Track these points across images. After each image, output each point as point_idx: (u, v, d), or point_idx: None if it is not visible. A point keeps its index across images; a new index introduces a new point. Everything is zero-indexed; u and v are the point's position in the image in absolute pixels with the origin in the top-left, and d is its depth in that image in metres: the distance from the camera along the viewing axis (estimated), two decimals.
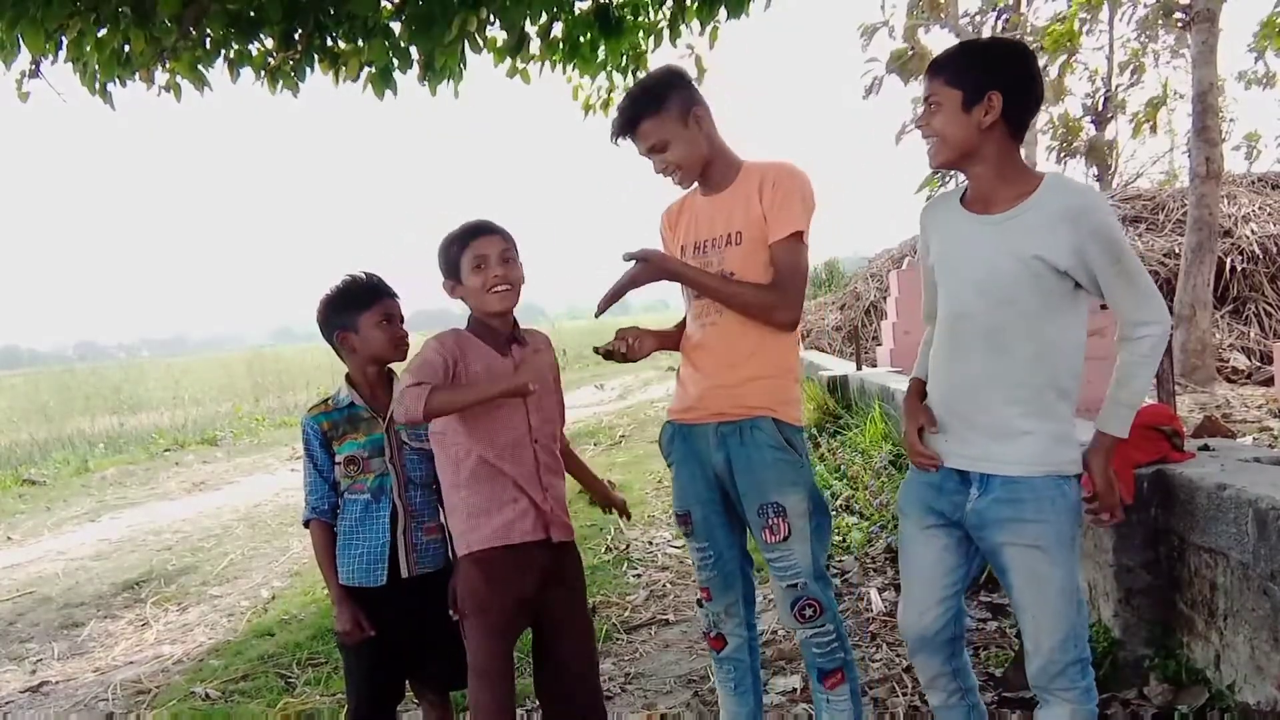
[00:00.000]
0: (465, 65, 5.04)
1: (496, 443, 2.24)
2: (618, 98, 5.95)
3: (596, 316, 2.40)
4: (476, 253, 2.24)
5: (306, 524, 2.47)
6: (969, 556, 2.13)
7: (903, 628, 2.22)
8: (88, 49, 4.53)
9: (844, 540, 4.63)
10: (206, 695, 3.67)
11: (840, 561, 4.38)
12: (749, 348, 2.32)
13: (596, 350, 2.41)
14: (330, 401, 2.48)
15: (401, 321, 2.49)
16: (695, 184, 2.44)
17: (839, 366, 9.07)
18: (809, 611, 2.33)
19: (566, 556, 2.34)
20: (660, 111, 2.31)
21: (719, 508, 2.43)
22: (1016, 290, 1.94)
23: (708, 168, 2.38)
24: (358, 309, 2.43)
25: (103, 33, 4.44)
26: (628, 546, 5.23)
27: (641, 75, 5.64)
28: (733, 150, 2.43)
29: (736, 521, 2.46)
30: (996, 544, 2.01)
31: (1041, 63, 16.81)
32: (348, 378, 2.47)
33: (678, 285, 2.46)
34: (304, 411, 2.51)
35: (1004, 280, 1.95)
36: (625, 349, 2.35)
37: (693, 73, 5.73)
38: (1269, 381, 8.64)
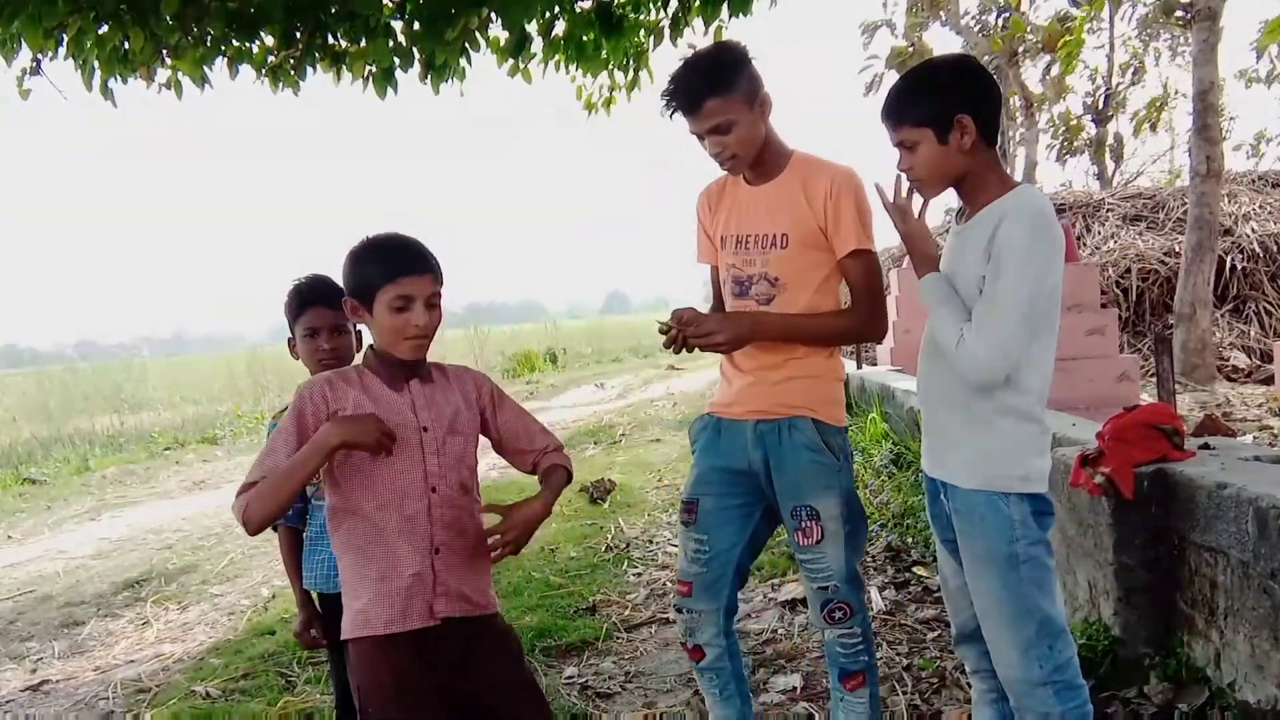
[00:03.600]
0: (470, 64, 5.05)
1: (377, 490, 1.86)
2: (619, 96, 5.95)
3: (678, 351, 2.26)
4: (403, 292, 1.86)
5: (274, 529, 2.49)
6: None
7: (951, 623, 2.25)
8: (88, 46, 4.53)
9: None
10: (207, 694, 3.67)
11: None
12: (793, 350, 2.27)
13: (662, 333, 2.23)
14: None
15: (336, 332, 2.38)
16: (724, 169, 2.33)
17: None
18: (839, 614, 2.30)
19: (481, 630, 1.96)
20: (731, 90, 2.14)
21: (733, 506, 2.36)
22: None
23: (758, 155, 2.26)
24: (292, 318, 2.42)
25: (103, 30, 4.44)
26: (628, 545, 5.23)
27: (640, 72, 5.64)
28: (781, 138, 2.30)
29: (747, 527, 2.40)
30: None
31: (1043, 62, 16.83)
32: None
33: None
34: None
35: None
36: (674, 335, 2.21)
37: None
38: (1269, 380, 8.64)
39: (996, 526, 1.91)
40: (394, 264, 1.87)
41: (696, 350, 2.28)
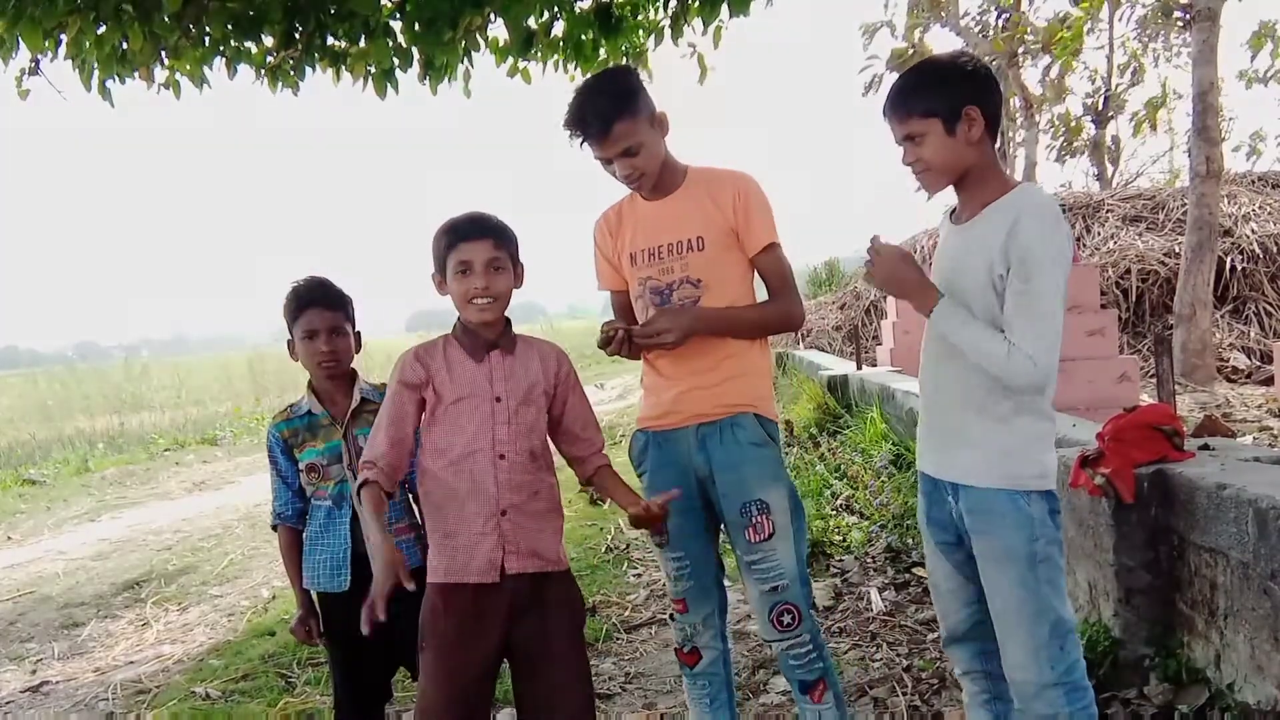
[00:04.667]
0: (473, 64, 5.05)
1: (451, 453, 2.03)
2: None
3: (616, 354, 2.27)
4: (461, 258, 2.02)
5: (274, 528, 2.51)
6: None
7: (940, 628, 2.24)
8: (87, 46, 4.53)
9: (844, 540, 4.63)
10: (207, 695, 3.67)
11: (840, 561, 4.38)
12: (726, 349, 2.29)
13: (603, 344, 2.27)
14: (291, 409, 2.49)
15: (335, 334, 2.39)
16: (632, 190, 2.35)
17: (839, 366, 9.06)
18: (787, 619, 2.27)
19: (548, 584, 2.09)
20: (636, 113, 2.19)
21: (696, 515, 2.36)
22: (965, 297, 1.93)
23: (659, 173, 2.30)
24: (290, 320, 2.42)
25: (102, 30, 4.44)
26: (628, 546, 5.23)
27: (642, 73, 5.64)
28: (673, 153, 2.35)
29: (713, 530, 2.41)
30: (974, 552, 2.01)
31: (1043, 63, 16.84)
32: (309, 384, 2.47)
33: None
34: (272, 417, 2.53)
35: (955, 287, 1.96)
36: (621, 337, 2.23)
37: (696, 72, 5.74)
38: (1269, 381, 8.64)
39: (1017, 525, 1.90)
40: (454, 233, 2.04)
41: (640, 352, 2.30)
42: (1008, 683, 2.01)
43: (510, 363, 2.09)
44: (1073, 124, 18.20)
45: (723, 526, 2.38)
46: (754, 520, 2.25)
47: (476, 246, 2.02)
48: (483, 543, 2.01)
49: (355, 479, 2.26)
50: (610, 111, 2.17)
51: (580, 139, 2.23)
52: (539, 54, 5.35)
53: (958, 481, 1.99)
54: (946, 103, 1.89)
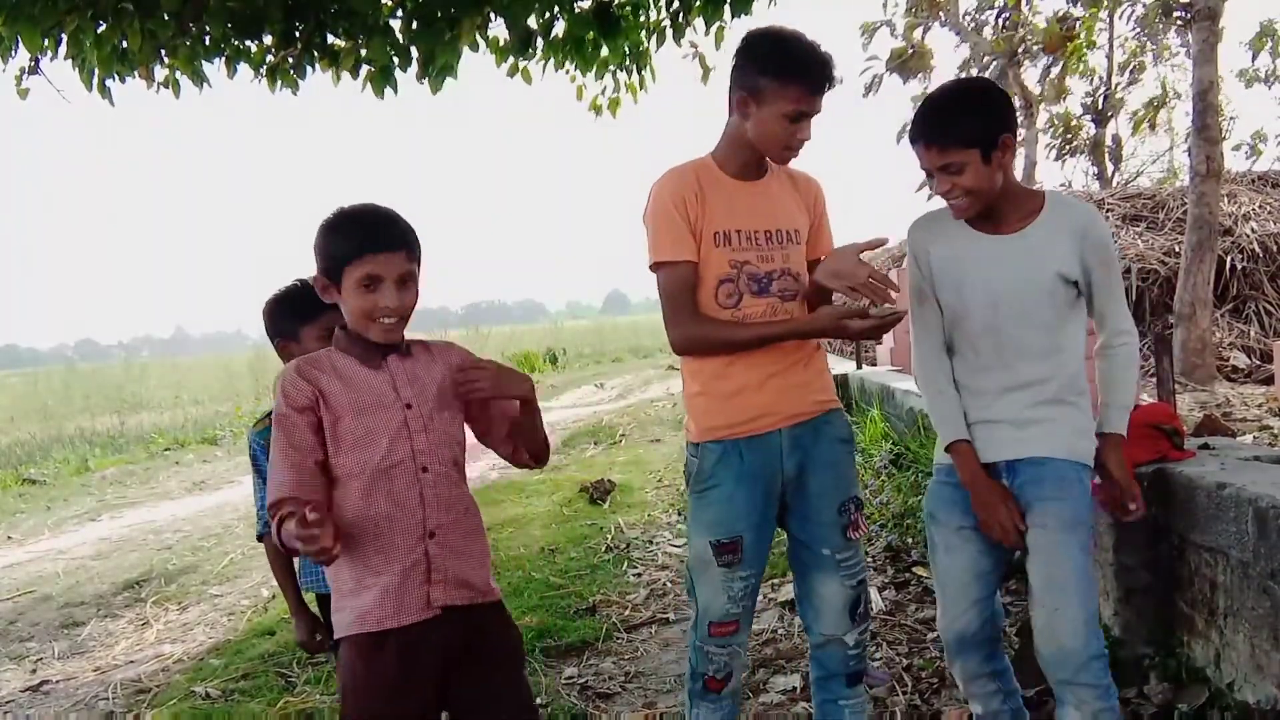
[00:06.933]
0: (457, 61, 5.04)
1: (366, 474, 1.73)
2: (622, 97, 5.94)
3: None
4: (369, 270, 1.71)
5: (260, 538, 2.41)
6: (1002, 558, 2.17)
7: (941, 631, 2.24)
8: (86, 45, 4.53)
9: None
10: (207, 694, 3.67)
11: None
12: (808, 346, 2.25)
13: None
14: (269, 417, 2.42)
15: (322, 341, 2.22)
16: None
17: (839, 366, 9.06)
18: (862, 609, 2.30)
19: (484, 619, 1.83)
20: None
21: (770, 529, 2.25)
22: (1034, 304, 2.04)
23: (751, 151, 2.18)
24: (301, 319, 2.29)
25: (101, 29, 4.44)
26: (628, 545, 5.23)
27: (644, 73, 5.65)
28: None
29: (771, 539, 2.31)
30: (1036, 522, 2.05)
31: (1043, 63, 16.84)
32: None
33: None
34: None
35: (1023, 296, 2.04)
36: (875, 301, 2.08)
37: (697, 72, 5.73)
38: (1269, 380, 8.64)
39: (1082, 495, 2.03)
40: (361, 238, 1.72)
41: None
42: (1041, 660, 2.03)
43: (411, 365, 1.82)
44: (1072, 123, 18.21)
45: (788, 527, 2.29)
46: (853, 518, 2.27)
47: (389, 260, 1.72)
48: (412, 574, 1.74)
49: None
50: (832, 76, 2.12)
51: (816, 76, 2.09)
52: (540, 53, 5.34)
53: (1025, 456, 2.05)
54: (985, 132, 1.98)
